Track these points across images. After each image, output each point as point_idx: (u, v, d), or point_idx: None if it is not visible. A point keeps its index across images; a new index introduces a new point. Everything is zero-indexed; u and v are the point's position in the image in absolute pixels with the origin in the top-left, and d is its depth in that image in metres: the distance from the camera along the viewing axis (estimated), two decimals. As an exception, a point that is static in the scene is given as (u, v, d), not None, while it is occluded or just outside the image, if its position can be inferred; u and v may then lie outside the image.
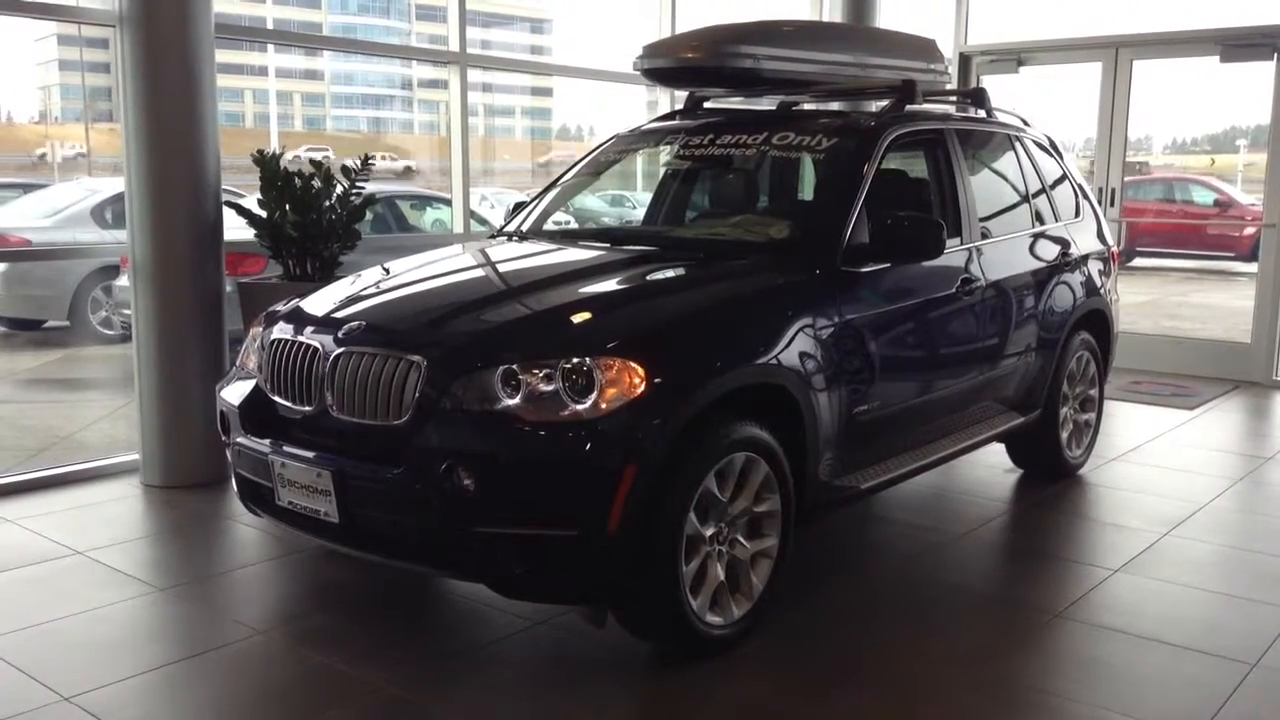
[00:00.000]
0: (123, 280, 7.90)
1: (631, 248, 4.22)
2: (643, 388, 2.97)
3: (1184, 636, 3.47)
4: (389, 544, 3.16)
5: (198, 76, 4.84)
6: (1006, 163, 5.06)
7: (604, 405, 2.94)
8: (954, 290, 4.25)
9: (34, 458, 5.73)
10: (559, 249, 4.22)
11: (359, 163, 5.29)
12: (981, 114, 5.10)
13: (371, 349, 3.20)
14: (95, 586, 3.80)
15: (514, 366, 2.99)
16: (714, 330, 3.33)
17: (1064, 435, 5.17)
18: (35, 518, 4.50)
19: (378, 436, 3.11)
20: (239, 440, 3.50)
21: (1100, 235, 5.50)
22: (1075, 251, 5.17)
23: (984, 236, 4.56)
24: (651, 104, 8.03)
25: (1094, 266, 5.31)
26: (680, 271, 3.84)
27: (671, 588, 3.03)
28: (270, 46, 21.73)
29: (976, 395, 4.50)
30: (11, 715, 2.89)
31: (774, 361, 3.36)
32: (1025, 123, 5.33)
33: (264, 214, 5.11)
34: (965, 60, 9.03)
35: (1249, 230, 14.55)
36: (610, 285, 3.67)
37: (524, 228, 4.63)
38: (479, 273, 4.04)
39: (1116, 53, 8.30)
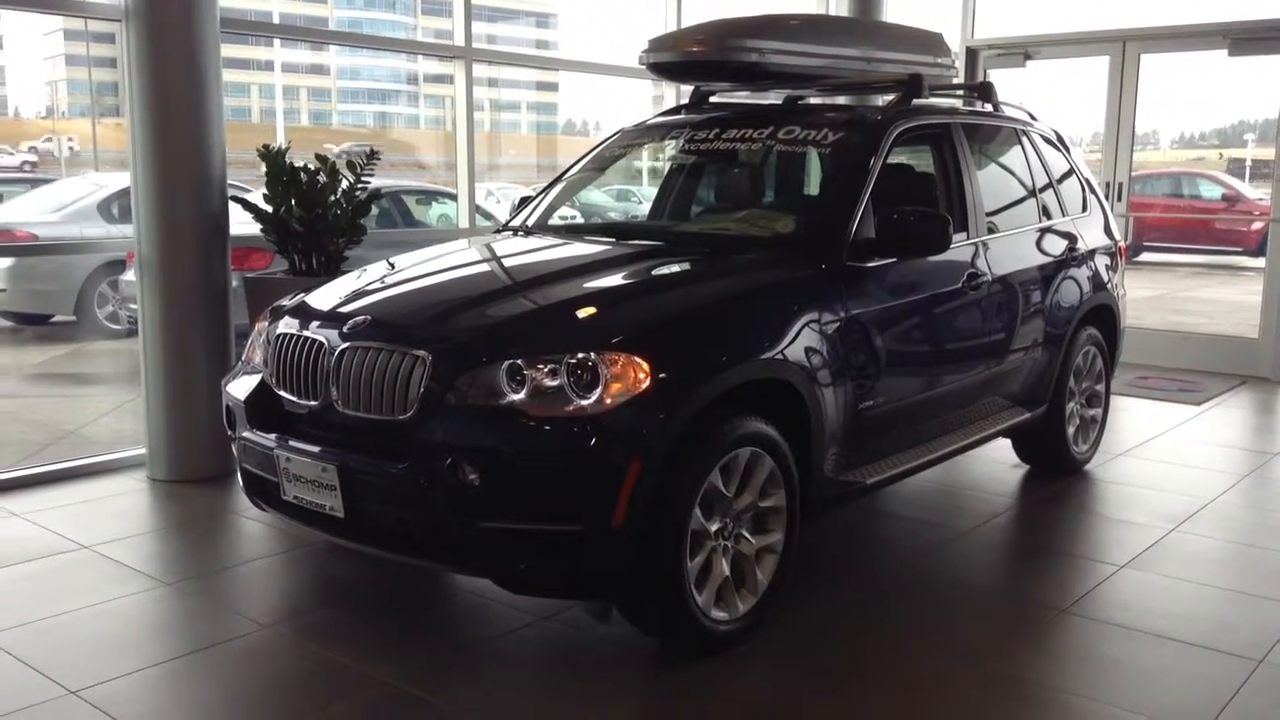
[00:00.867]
0: (129, 275, 7.92)
1: (637, 243, 4.22)
2: (648, 383, 2.97)
3: (1190, 632, 3.47)
4: (394, 539, 3.16)
5: (203, 71, 4.84)
6: (1013, 157, 5.05)
7: (609, 400, 2.93)
8: (960, 285, 4.24)
9: (40, 452, 5.75)
10: (564, 244, 4.22)
11: (364, 157, 5.29)
12: (988, 108, 5.08)
13: (377, 344, 3.20)
14: (101, 581, 3.81)
15: (519, 362, 2.99)
16: (719, 325, 3.32)
17: (1070, 431, 5.15)
18: (42, 512, 4.51)
19: (383, 431, 3.12)
20: (244, 435, 3.50)
21: (1107, 230, 5.48)
22: (1082, 246, 5.15)
23: (990, 231, 4.54)
24: (657, 99, 8.02)
25: (1101, 261, 5.29)
26: (685, 266, 3.84)
27: (676, 583, 3.03)
28: (276, 41, 21.73)
29: (982, 391, 4.49)
30: (18, 709, 2.90)
31: (779, 356, 3.35)
32: (1032, 117, 5.31)
33: (270, 209, 5.12)
34: (972, 54, 9.00)
35: (1257, 225, 14.50)
36: (615, 280, 3.66)
37: (529, 223, 4.63)
38: (484, 268, 4.03)
39: (1124, 46, 8.27)
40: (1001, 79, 8.79)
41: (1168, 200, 16.09)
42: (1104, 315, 5.33)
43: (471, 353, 3.08)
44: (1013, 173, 5.02)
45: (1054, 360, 4.90)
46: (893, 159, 4.16)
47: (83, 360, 9.17)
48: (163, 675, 3.13)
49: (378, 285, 3.75)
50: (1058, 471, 5.21)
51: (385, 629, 3.45)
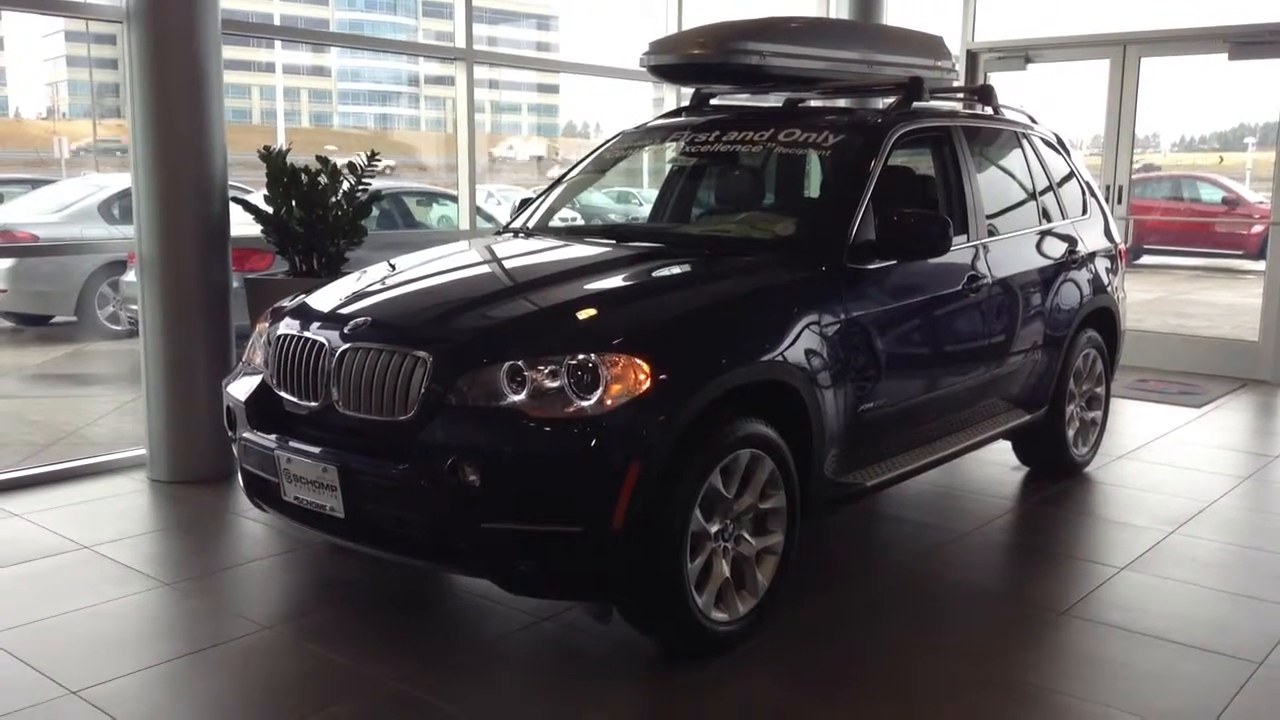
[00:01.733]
0: (130, 276, 7.93)
1: (637, 244, 4.22)
2: (648, 384, 2.97)
3: (1190, 635, 3.47)
4: (394, 539, 3.17)
5: (204, 72, 4.85)
6: (1013, 160, 5.05)
7: (609, 402, 2.94)
8: (960, 287, 4.25)
9: (41, 453, 5.75)
10: (564, 245, 4.22)
11: (364, 159, 5.29)
12: (989, 111, 5.09)
13: (377, 345, 3.20)
14: (101, 581, 3.81)
15: (519, 363, 2.99)
16: (719, 327, 3.32)
17: (1070, 433, 5.16)
18: (42, 512, 4.52)
19: (383, 432, 3.12)
20: (245, 435, 3.50)
21: (1107, 233, 5.49)
22: (1082, 249, 5.15)
23: (991, 234, 4.55)
24: (658, 101, 8.03)
25: (1101, 264, 5.29)
26: (686, 268, 3.84)
27: (676, 584, 3.03)
28: (277, 43, 21.75)
29: (983, 393, 4.49)
30: (19, 709, 2.91)
31: (779, 358, 3.36)
32: (1032, 120, 5.32)
33: (270, 210, 5.12)
34: (973, 57, 9.01)
35: (1257, 228, 14.50)
36: (616, 282, 3.66)
37: (530, 224, 4.63)
38: (485, 269, 4.04)
39: (1124, 50, 8.27)
40: (1002, 82, 8.79)
41: (1168, 203, 16.10)
42: (1104, 318, 5.34)
43: (472, 354, 3.08)
44: (1013, 175, 5.03)
45: (1054, 363, 4.90)
46: (893, 162, 4.16)
47: (83, 361, 9.17)
48: (163, 675, 3.13)
49: (378, 286, 3.75)
50: (1058, 474, 5.21)
51: (385, 629, 3.45)
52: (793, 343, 3.40)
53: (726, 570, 3.23)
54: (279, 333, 3.53)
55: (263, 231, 5.18)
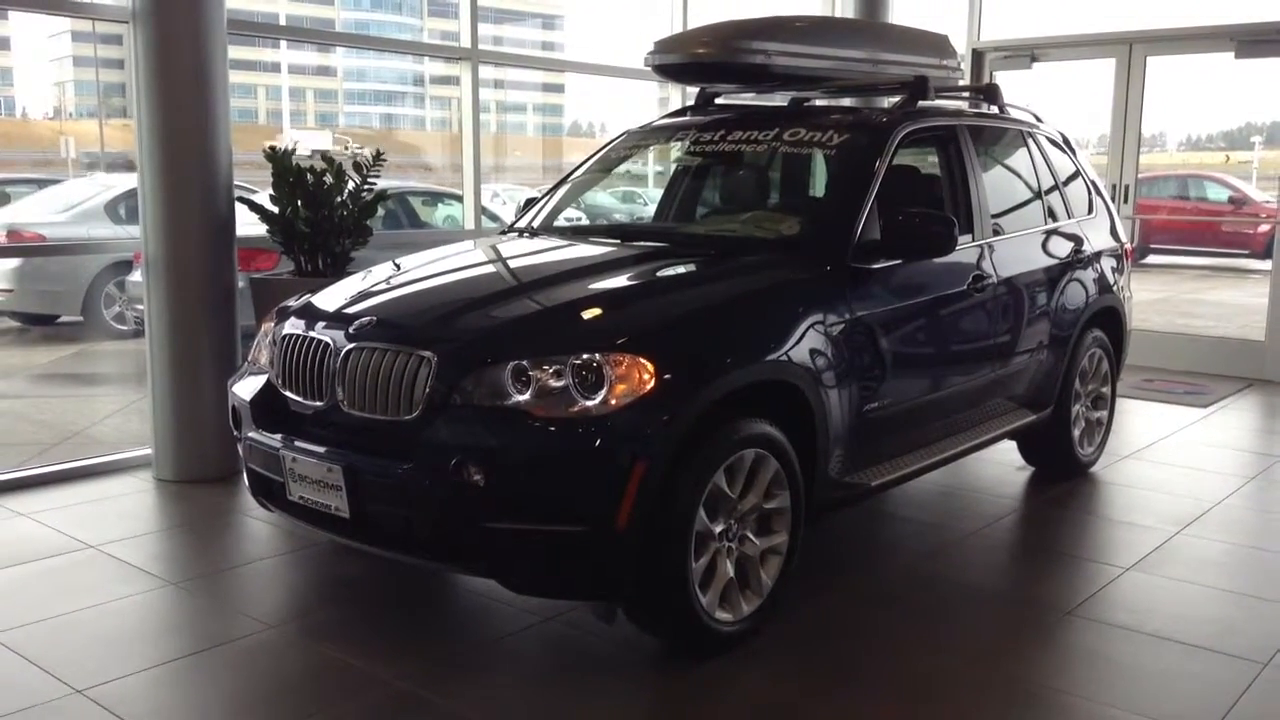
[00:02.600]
0: (136, 276, 7.94)
1: (642, 244, 4.22)
2: (652, 384, 2.97)
3: (1195, 635, 3.46)
4: (399, 539, 3.17)
5: (210, 72, 4.86)
6: (1019, 159, 5.04)
7: (614, 401, 2.94)
8: (965, 287, 4.24)
9: (47, 452, 5.77)
10: (569, 245, 4.23)
11: (370, 158, 5.30)
12: (994, 110, 5.08)
13: (382, 344, 3.21)
14: (107, 580, 3.82)
15: (524, 362, 3.00)
16: (724, 327, 3.32)
17: (1076, 433, 5.15)
18: (48, 512, 4.53)
19: (388, 432, 3.12)
20: (250, 435, 3.51)
21: (1113, 232, 5.48)
22: (1088, 248, 5.15)
23: (996, 233, 4.54)
24: (663, 100, 8.03)
25: (1107, 263, 5.28)
26: (690, 268, 3.84)
27: (681, 584, 3.03)
28: (283, 43, 21.81)
29: (988, 393, 4.48)
30: (24, 707, 2.92)
31: (784, 358, 3.35)
32: (1038, 119, 5.31)
33: (276, 210, 5.13)
34: (978, 56, 8.99)
35: (1264, 227, 14.47)
36: (620, 281, 3.67)
37: (535, 224, 4.64)
38: (490, 269, 4.04)
39: (1130, 49, 8.26)
40: (1007, 81, 8.77)
41: (1174, 202, 16.06)
42: (1110, 317, 5.33)
43: (477, 353, 3.08)
44: (1018, 175, 5.02)
45: (1059, 362, 4.90)
46: (898, 161, 4.16)
47: (89, 361, 9.19)
48: (168, 674, 3.14)
49: (383, 286, 3.76)
50: (1063, 474, 5.21)
51: (390, 629, 3.45)
52: (797, 342, 3.40)
53: (731, 570, 3.23)
54: (284, 332, 3.54)
55: (268, 231, 5.19)
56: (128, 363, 8.65)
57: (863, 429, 3.68)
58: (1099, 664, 3.27)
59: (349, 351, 3.25)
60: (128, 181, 8.58)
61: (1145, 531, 4.47)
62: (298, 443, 3.31)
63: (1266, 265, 8.52)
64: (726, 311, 3.41)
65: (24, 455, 5.55)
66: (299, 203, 5.11)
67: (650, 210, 5.91)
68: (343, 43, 19.60)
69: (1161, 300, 12.59)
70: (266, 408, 3.50)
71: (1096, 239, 5.26)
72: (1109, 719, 2.94)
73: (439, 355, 3.08)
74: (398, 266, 4.03)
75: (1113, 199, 7.55)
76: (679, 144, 4.87)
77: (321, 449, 3.23)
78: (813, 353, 3.44)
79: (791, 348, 3.38)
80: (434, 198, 10.29)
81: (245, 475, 3.68)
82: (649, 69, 4.78)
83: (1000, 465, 5.35)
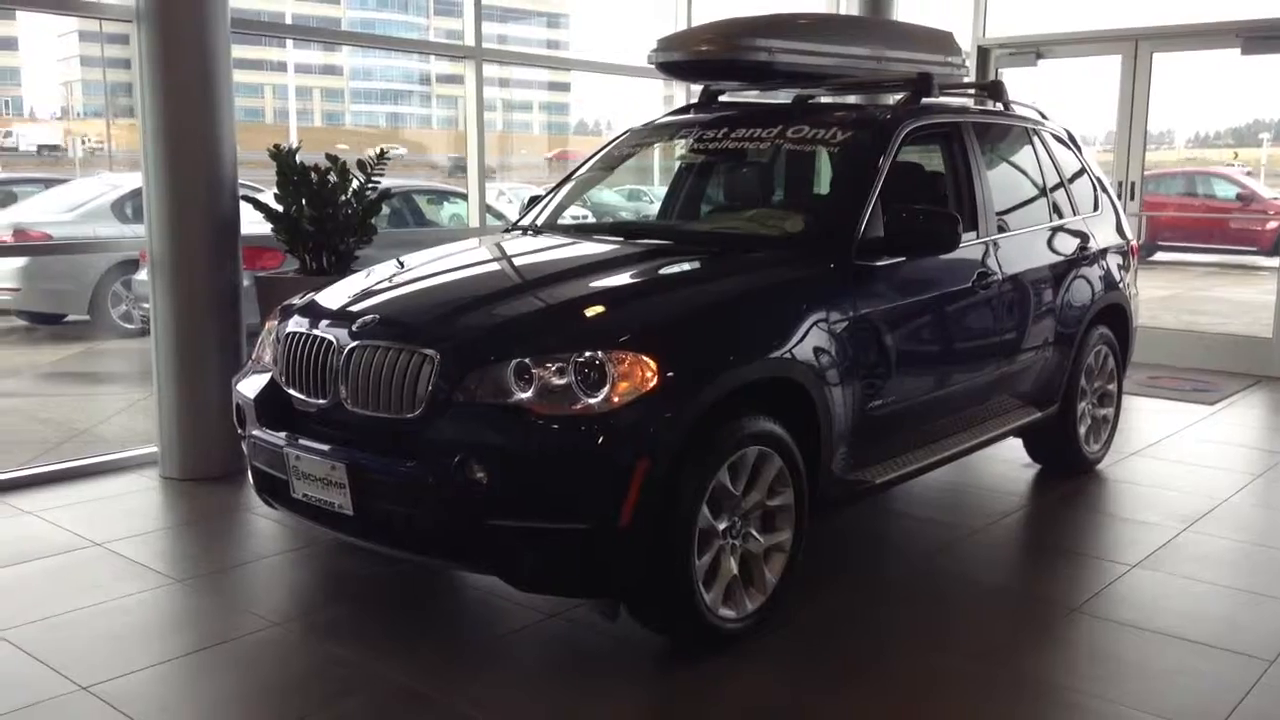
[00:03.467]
0: (142, 274, 7.96)
1: (645, 242, 4.22)
2: (655, 382, 2.97)
3: (1202, 633, 3.45)
4: (403, 536, 3.17)
5: (215, 72, 4.86)
6: (1024, 156, 5.03)
7: (616, 399, 2.94)
8: (970, 284, 4.23)
9: (54, 450, 5.78)
10: (573, 243, 4.22)
11: (374, 157, 5.31)
12: (999, 107, 5.07)
13: (385, 343, 3.21)
14: (112, 578, 3.83)
15: (527, 360, 3.00)
16: (727, 324, 3.32)
17: (1082, 430, 5.13)
18: (55, 509, 4.54)
19: (391, 430, 3.13)
20: (254, 433, 3.52)
21: (1119, 229, 5.46)
22: (1094, 245, 5.13)
23: (1001, 230, 4.53)
24: (667, 98, 8.02)
25: (1113, 260, 5.27)
26: (694, 265, 3.83)
27: (684, 581, 3.03)
28: (289, 42, 21.83)
29: (993, 390, 4.47)
30: (30, 704, 2.92)
31: (787, 356, 3.35)
32: (1043, 116, 5.29)
33: (281, 208, 5.14)
34: (983, 53, 8.97)
35: (1271, 224, 14.43)
36: (623, 279, 3.66)
37: (539, 222, 4.64)
38: (493, 267, 4.04)
39: (1136, 45, 8.23)
40: (1013, 78, 8.75)
41: (1181, 199, 16.01)
42: (1116, 314, 5.31)
43: (479, 351, 3.08)
44: (1023, 172, 5.01)
45: (1065, 359, 4.88)
46: (902, 158, 4.14)
47: (95, 359, 9.21)
48: (173, 671, 3.15)
49: (387, 284, 3.76)
50: (1069, 471, 5.19)
51: (393, 626, 3.46)
52: (800, 340, 3.39)
53: (734, 567, 3.22)
54: (288, 330, 3.54)
55: (273, 230, 5.19)
56: (134, 361, 8.66)
57: (867, 426, 3.67)
58: (1105, 661, 3.26)
59: (352, 349, 3.26)
60: (134, 181, 8.59)
61: (1152, 529, 4.46)
62: (301, 440, 3.31)
63: (1274, 262, 8.53)
64: (729, 309, 3.41)
65: (31, 453, 5.56)
66: (303, 201, 5.11)
67: (655, 208, 5.90)
68: (349, 42, 19.59)
69: (1169, 297, 12.55)
70: (270, 406, 3.51)
71: (1102, 236, 5.24)
72: (1116, 716, 2.94)
73: (442, 353, 3.08)
74: (401, 265, 4.04)
75: (1119, 196, 7.53)
76: (683, 142, 4.87)
77: (325, 447, 3.23)
78: (816, 350, 3.43)
79: (795, 345, 3.37)
80: (439, 196, 10.30)
81: (249, 473, 3.68)
82: (653, 67, 4.78)
83: (1006, 462, 5.34)
